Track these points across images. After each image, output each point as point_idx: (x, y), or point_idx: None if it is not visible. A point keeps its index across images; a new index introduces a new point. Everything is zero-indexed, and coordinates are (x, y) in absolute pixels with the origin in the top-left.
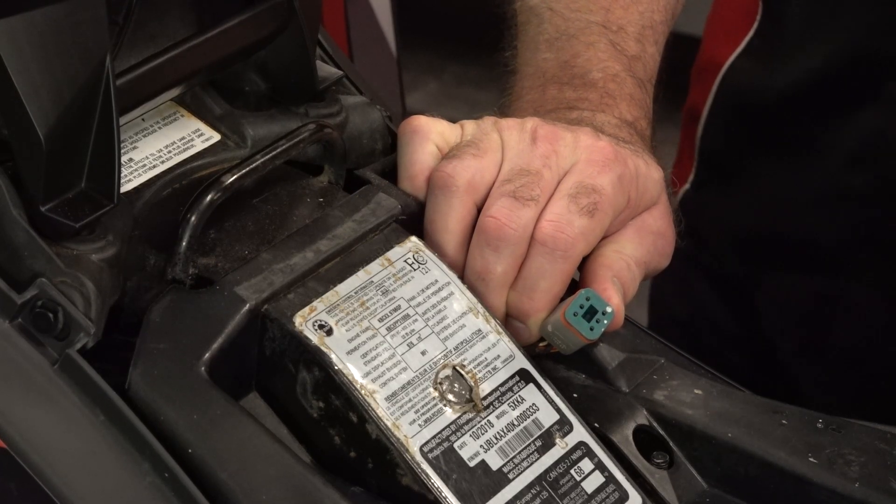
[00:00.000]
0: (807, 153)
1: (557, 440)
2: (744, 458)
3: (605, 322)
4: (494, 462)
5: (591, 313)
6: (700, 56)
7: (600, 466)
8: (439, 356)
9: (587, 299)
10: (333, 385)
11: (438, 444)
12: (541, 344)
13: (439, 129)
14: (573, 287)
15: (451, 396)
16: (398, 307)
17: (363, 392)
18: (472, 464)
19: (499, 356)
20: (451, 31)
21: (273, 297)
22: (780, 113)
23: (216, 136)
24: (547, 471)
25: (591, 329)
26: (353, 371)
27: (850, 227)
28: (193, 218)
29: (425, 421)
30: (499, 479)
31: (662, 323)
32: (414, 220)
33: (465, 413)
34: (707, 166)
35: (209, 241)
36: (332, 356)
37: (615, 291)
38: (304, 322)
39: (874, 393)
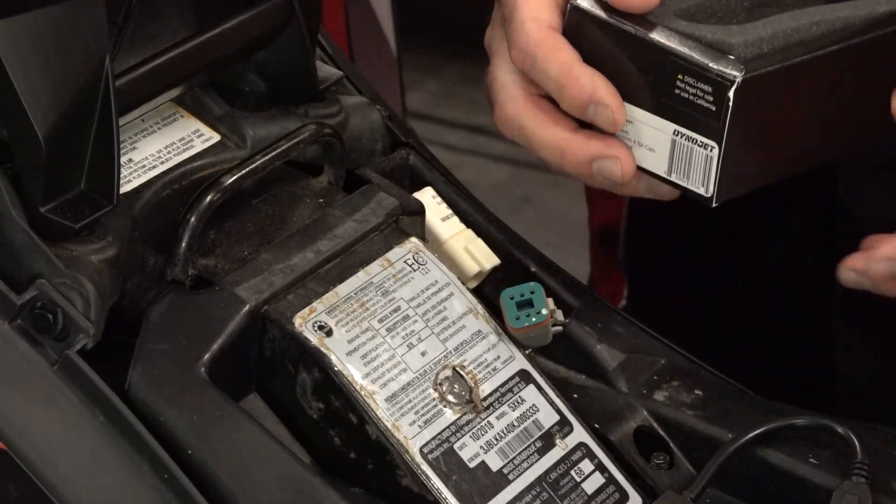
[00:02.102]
0: (752, 243)
1: (557, 441)
2: (744, 458)
3: (533, 321)
4: (494, 463)
5: (526, 305)
6: None
7: (600, 467)
8: (439, 357)
9: (531, 292)
10: (333, 386)
11: (438, 445)
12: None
13: None
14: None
15: (451, 397)
16: (398, 308)
17: (363, 393)
18: (472, 465)
19: (499, 357)
20: (451, 31)
21: (273, 297)
22: (702, 212)
23: (216, 137)
24: (547, 472)
25: (517, 319)
26: (353, 372)
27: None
28: (193, 219)
29: (425, 422)
30: (499, 480)
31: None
32: (414, 220)
33: (465, 414)
34: (639, 284)
35: (209, 241)
36: (332, 357)
37: None
38: (304, 323)
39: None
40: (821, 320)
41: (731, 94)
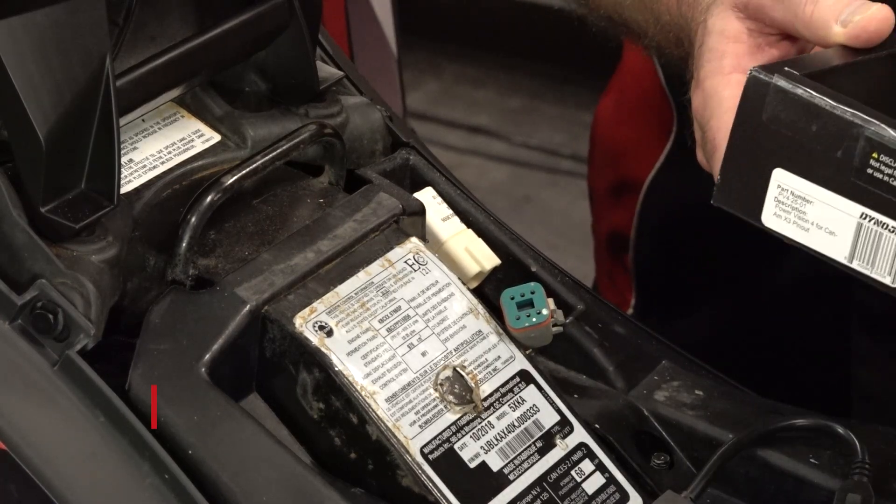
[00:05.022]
0: (769, 253)
1: (558, 441)
2: (744, 458)
3: (533, 321)
4: (495, 463)
5: (526, 306)
6: (611, 179)
7: (601, 467)
8: (440, 357)
9: (532, 292)
10: (334, 386)
11: (439, 446)
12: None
13: None
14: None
15: (451, 397)
16: (398, 308)
17: (363, 393)
18: (472, 465)
19: (499, 357)
20: (451, 31)
21: (273, 297)
22: (718, 220)
23: (216, 137)
24: (547, 472)
25: (517, 319)
26: (354, 372)
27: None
28: (193, 219)
29: (426, 422)
30: (499, 481)
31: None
32: (415, 220)
33: (465, 414)
34: (648, 292)
35: (209, 241)
36: (333, 357)
37: None
38: (305, 323)
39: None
40: (838, 331)
41: None
